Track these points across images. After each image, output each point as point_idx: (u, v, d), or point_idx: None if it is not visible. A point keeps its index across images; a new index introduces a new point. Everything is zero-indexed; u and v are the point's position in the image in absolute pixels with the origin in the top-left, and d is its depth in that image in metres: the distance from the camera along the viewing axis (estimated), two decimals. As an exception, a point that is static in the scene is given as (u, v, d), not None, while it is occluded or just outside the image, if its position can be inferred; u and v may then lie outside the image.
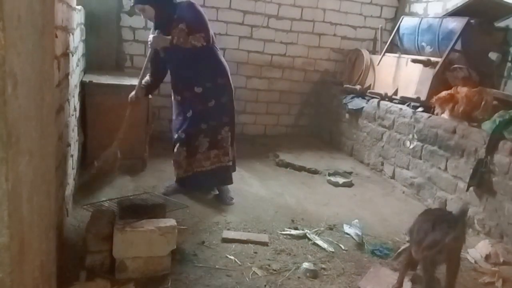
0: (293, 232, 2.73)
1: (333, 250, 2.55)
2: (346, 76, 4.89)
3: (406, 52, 4.25)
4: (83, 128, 3.28)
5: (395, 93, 4.03)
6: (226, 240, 2.53)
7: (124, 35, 4.36)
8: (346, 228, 2.83)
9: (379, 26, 4.80)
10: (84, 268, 2.01)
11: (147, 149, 3.59)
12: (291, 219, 2.93)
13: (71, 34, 2.50)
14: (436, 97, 3.39)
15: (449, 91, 3.32)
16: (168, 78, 3.09)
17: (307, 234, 2.70)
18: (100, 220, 2.10)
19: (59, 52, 1.98)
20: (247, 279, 2.17)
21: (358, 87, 4.50)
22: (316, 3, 4.92)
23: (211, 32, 2.88)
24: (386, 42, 4.50)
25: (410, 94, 3.77)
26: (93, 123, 3.29)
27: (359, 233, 2.72)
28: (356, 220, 2.89)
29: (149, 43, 2.85)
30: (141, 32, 4.34)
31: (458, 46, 3.67)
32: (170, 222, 2.12)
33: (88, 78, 3.37)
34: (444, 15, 3.98)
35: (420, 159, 3.54)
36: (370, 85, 4.47)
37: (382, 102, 4.09)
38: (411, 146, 3.63)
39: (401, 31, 4.32)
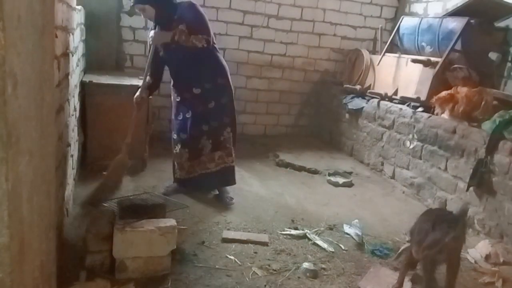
0: (293, 232, 2.73)
1: (333, 250, 2.55)
2: (346, 76, 4.89)
3: (406, 52, 4.25)
4: (83, 128, 3.28)
5: (395, 93, 4.03)
6: (226, 240, 2.53)
7: (124, 35, 4.36)
8: (346, 228, 2.83)
9: (379, 26, 4.80)
10: (84, 268, 2.01)
11: (147, 149, 3.59)
12: (291, 219, 2.93)
13: (71, 34, 2.50)
14: (436, 97, 3.39)
15: (449, 91, 3.32)
16: (168, 77, 3.08)
17: (307, 234, 2.70)
18: (100, 220, 2.10)
19: (59, 52, 1.98)
20: (247, 279, 2.17)
21: (358, 87, 4.50)
22: (316, 3, 4.92)
23: (212, 33, 2.88)
24: (386, 42, 4.50)
25: (410, 94, 3.77)
26: (93, 123, 3.29)
27: (359, 233, 2.72)
28: (356, 220, 2.89)
29: (150, 38, 2.84)
30: (141, 32, 4.34)
31: (458, 46, 3.67)
32: (170, 222, 2.12)
33: (88, 78, 3.37)
34: (444, 15, 3.98)
35: (420, 159, 3.54)
36: (370, 85, 4.47)
37: (382, 102, 4.09)
38: (411, 146, 3.63)
39: (401, 31, 4.32)
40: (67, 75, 2.32)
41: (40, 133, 1.24)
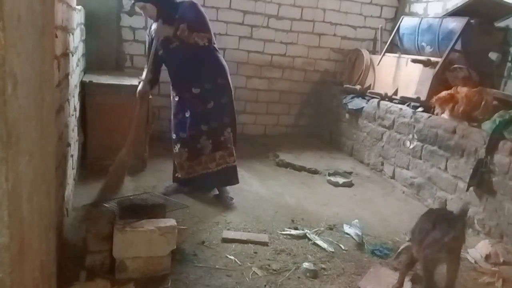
0: (293, 232, 2.73)
1: (333, 250, 2.55)
2: (346, 76, 4.89)
3: (406, 52, 4.25)
4: (83, 128, 3.28)
5: (395, 93, 4.03)
6: (226, 240, 2.53)
7: (124, 35, 4.36)
8: (346, 228, 2.83)
9: (379, 26, 4.80)
10: (84, 268, 2.01)
11: (147, 149, 3.59)
12: (291, 219, 2.93)
13: (71, 34, 2.50)
14: (436, 97, 3.39)
15: (449, 91, 3.32)
16: (167, 77, 3.08)
17: (307, 234, 2.70)
18: (100, 220, 2.10)
19: (59, 52, 1.98)
20: (247, 279, 2.17)
21: (358, 87, 4.50)
22: (316, 3, 4.92)
23: (212, 33, 2.88)
24: (386, 42, 4.50)
25: (410, 94, 3.77)
26: (93, 123, 3.29)
27: (359, 233, 2.72)
28: (356, 220, 2.89)
29: (152, 31, 2.82)
30: (141, 32, 4.33)
31: (458, 46, 3.67)
32: (170, 222, 2.12)
33: (88, 78, 3.37)
34: (444, 15, 3.98)
35: (420, 159, 3.54)
36: (370, 85, 4.47)
37: (382, 102, 4.09)
38: (411, 146, 3.63)
39: (401, 31, 4.32)
40: (67, 75, 2.32)
41: (40, 133, 1.24)
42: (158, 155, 3.76)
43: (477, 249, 2.67)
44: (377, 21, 5.10)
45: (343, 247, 2.61)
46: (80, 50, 3.31)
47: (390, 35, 4.55)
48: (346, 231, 2.81)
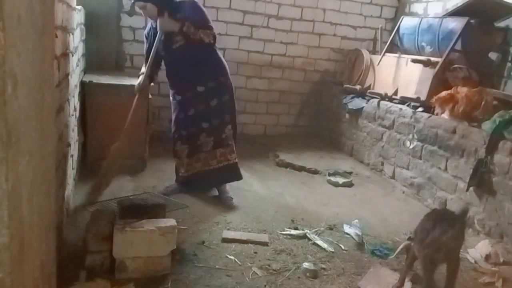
0: (293, 232, 2.72)
1: (333, 250, 2.55)
2: (346, 76, 4.89)
3: (406, 52, 4.25)
4: (83, 128, 3.28)
5: (395, 93, 4.03)
6: (226, 240, 2.53)
7: (124, 35, 4.36)
8: (346, 228, 2.83)
9: (379, 26, 4.80)
10: (84, 268, 2.01)
11: (147, 149, 3.59)
12: (291, 219, 2.93)
13: (71, 34, 2.50)
14: (436, 97, 3.39)
15: (449, 91, 3.31)
16: (166, 77, 3.08)
17: (307, 234, 2.70)
18: (100, 220, 2.10)
19: (59, 52, 1.98)
20: (247, 279, 2.17)
21: (358, 87, 4.50)
22: (316, 3, 4.92)
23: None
24: (386, 42, 4.50)
25: (410, 94, 3.77)
26: (93, 123, 3.29)
27: (359, 233, 2.72)
28: (356, 220, 2.89)
29: (155, 23, 2.81)
30: (141, 32, 4.30)
31: (458, 46, 3.67)
32: (170, 222, 2.12)
33: (88, 78, 3.37)
34: (444, 15, 3.98)
35: (420, 159, 3.54)
36: (370, 85, 4.47)
37: (382, 102, 4.09)
38: (411, 146, 3.63)
39: (401, 31, 4.32)
40: (67, 75, 2.32)
41: (40, 133, 1.24)
42: (158, 155, 3.76)
43: (477, 249, 2.67)
44: (377, 21, 5.10)
45: (343, 247, 2.61)
46: (80, 50, 3.31)
47: (390, 35, 4.55)
48: (346, 231, 2.81)
